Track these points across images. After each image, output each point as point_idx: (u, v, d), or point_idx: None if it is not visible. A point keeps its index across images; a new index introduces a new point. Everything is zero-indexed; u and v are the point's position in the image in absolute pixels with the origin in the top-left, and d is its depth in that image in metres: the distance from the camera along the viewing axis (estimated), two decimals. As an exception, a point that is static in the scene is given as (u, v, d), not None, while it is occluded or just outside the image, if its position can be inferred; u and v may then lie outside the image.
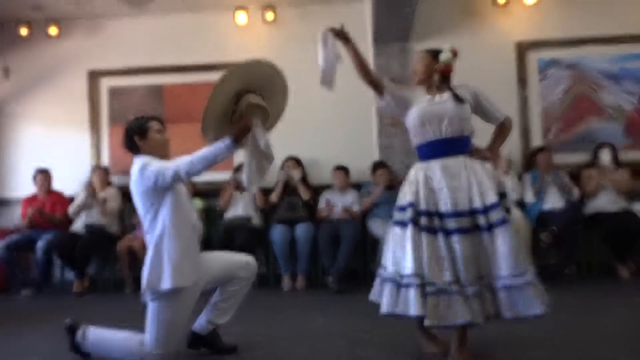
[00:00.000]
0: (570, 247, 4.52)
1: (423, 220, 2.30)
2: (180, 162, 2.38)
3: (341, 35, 2.53)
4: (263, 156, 2.55)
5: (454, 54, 2.46)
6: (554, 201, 4.69)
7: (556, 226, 4.38)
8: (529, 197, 4.78)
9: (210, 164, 2.39)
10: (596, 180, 4.71)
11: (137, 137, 2.52)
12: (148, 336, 2.42)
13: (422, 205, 2.32)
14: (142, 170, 2.41)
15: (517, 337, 2.65)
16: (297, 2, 5.46)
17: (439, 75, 2.45)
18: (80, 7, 5.31)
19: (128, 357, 2.45)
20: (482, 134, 2.58)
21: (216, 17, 5.56)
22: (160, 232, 2.42)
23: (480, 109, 2.50)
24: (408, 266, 2.26)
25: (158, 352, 2.41)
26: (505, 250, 2.21)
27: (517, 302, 2.18)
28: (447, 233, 2.26)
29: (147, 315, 2.44)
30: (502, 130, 2.55)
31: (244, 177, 2.55)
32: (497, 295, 2.22)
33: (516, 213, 4.54)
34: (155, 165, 2.41)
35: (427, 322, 2.20)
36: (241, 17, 5.38)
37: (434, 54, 2.48)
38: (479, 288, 2.22)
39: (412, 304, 2.20)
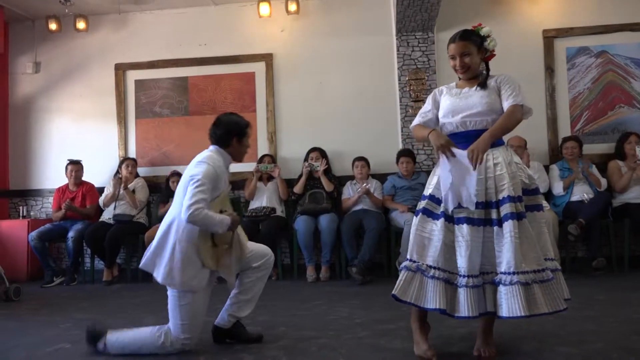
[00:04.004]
0: (599, 239, 4.42)
1: (432, 208, 2.29)
2: (201, 209, 2.38)
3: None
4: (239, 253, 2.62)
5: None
6: (581, 192, 4.60)
7: (584, 218, 4.30)
8: (557, 189, 4.70)
9: (208, 227, 2.44)
10: (629, 175, 4.60)
11: (235, 139, 2.63)
12: (172, 323, 2.49)
13: (439, 193, 2.29)
14: (195, 176, 2.45)
15: (544, 332, 2.62)
16: (320, -8, 5.45)
17: (484, 64, 2.35)
18: (108, 1, 5.39)
19: (155, 350, 2.50)
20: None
21: (239, 9, 5.58)
22: (180, 229, 2.46)
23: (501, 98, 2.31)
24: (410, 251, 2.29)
25: (184, 337, 2.47)
26: (506, 245, 2.12)
27: (501, 302, 2.10)
28: (456, 222, 2.22)
29: (168, 303, 2.51)
30: (501, 117, 2.24)
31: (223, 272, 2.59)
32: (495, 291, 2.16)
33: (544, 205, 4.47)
34: (200, 188, 2.41)
35: (393, 291, 2.22)
36: (264, 9, 5.39)
37: (478, 42, 2.32)
38: (481, 281, 2.17)
39: (396, 284, 2.25)
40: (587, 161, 4.73)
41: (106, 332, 2.56)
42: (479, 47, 2.33)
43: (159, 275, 2.48)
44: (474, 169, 2.15)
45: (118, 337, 2.55)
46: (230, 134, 2.62)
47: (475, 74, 2.38)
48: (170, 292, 2.50)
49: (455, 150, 2.23)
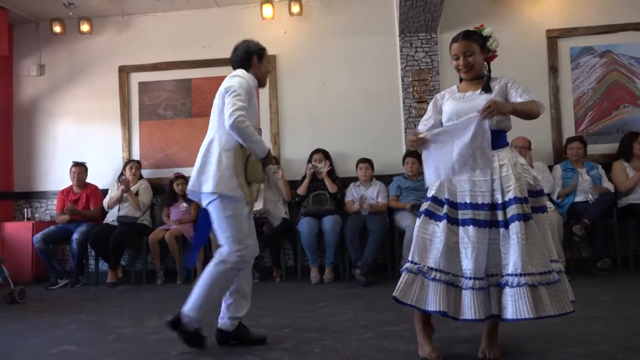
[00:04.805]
0: (604, 240, 4.40)
1: (434, 209, 2.28)
2: (245, 118, 2.46)
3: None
4: (275, 189, 2.80)
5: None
6: (586, 193, 4.58)
7: (588, 218, 4.28)
8: (554, 195, 4.66)
9: (250, 140, 2.50)
10: (636, 178, 4.58)
11: (256, 57, 2.72)
12: (221, 240, 2.52)
13: (442, 195, 2.29)
14: (231, 87, 2.53)
15: (550, 333, 2.61)
16: (323, -6, 5.45)
17: (486, 65, 2.35)
18: (113, 4, 5.40)
19: (224, 279, 2.52)
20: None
21: (243, 11, 5.59)
22: (223, 140, 2.53)
23: (510, 99, 2.31)
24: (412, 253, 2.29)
25: (237, 248, 2.50)
26: (512, 247, 2.11)
27: (507, 304, 2.09)
28: (461, 223, 2.21)
29: (215, 226, 2.54)
30: (525, 101, 2.23)
31: (269, 209, 2.73)
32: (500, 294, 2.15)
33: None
34: (238, 97, 2.49)
35: (394, 293, 2.23)
36: (267, 11, 5.39)
37: (481, 41, 2.32)
38: (486, 284, 2.15)
39: (397, 286, 2.25)
40: (589, 162, 4.72)
41: (178, 313, 2.54)
42: (481, 47, 2.33)
43: (208, 187, 2.48)
44: (482, 119, 2.12)
45: (190, 304, 2.53)
46: (249, 53, 2.71)
47: (478, 75, 2.37)
48: (213, 208, 2.52)
49: (446, 127, 2.27)
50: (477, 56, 2.32)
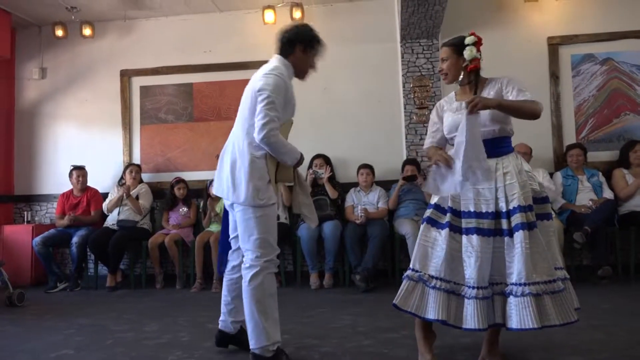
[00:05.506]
0: (605, 247, 4.38)
1: (437, 217, 2.28)
2: (276, 131, 2.30)
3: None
4: (305, 189, 2.68)
5: (478, 44, 2.26)
6: (586, 200, 4.57)
7: (589, 226, 4.27)
8: (559, 199, 4.66)
9: (280, 152, 2.37)
10: (635, 184, 4.58)
11: (301, 46, 2.45)
12: (245, 245, 2.39)
13: (445, 203, 2.28)
14: (264, 90, 2.31)
15: (551, 341, 2.60)
16: (325, -1, 5.46)
17: (466, 73, 2.29)
18: (118, 9, 5.42)
19: (261, 289, 2.37)
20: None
21: (244, 16, 5.61)
22: (254, 143, 2.36)
23: None
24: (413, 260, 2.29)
25: (261, 252, 2.37)
26: (517, 256, 2.10)
27: (511, 313, 2.08)
28: (465, 232, 2.20)
29: (240, 229, 2.41)
30: (519, 100, 2.22)
31: (304, 213, 2.66)
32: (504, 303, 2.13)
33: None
34: (271, 105, 2.29)
35: (394, 301, 2.23)
36: (269, 16, 5.41)
37: (458, 49, 2.30)
38: (490, 293, 2.14)
39: (398, 294, 2.24)
40: (590, 170, 4.74)
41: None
42: (458, 56, 2.31)
43: (241, 198, 2.35)
44: (468, 113, 2.10)
45: (251, 339, 2.38)
46: (295, 40, 2.45)
47: (454, 81, 2.37)
48: (241, 211, 2.39)
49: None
50: (451, 64, 2.33)
